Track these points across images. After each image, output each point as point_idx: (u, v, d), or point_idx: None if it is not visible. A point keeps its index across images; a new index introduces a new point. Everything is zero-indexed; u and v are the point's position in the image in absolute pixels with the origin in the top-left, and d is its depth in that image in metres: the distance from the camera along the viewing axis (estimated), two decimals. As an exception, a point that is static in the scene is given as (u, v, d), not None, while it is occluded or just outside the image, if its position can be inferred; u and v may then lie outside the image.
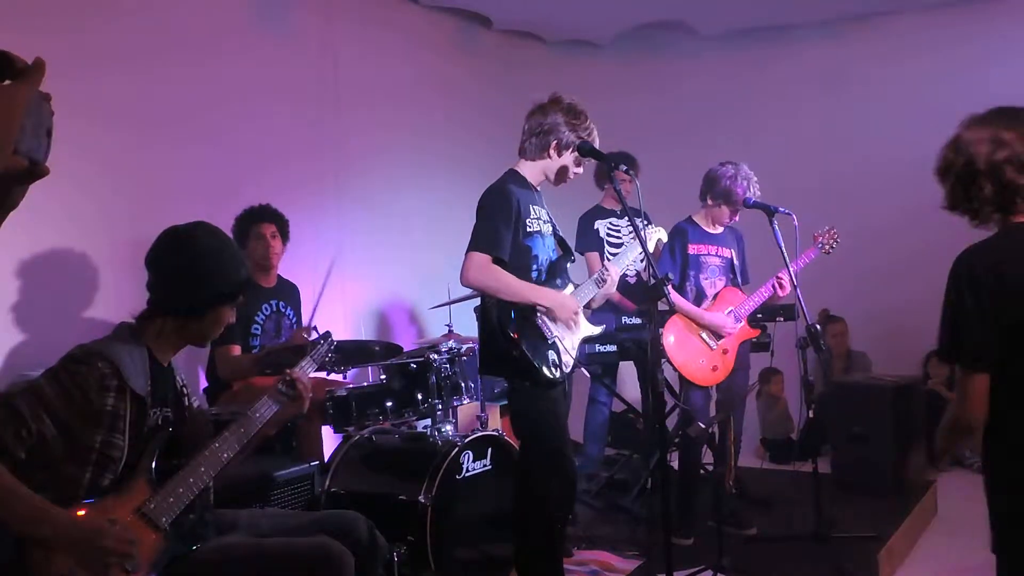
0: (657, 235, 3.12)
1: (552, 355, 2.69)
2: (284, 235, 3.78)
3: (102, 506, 1.82)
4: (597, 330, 2.89)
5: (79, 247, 3.49)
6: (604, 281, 2.87)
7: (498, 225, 2.63)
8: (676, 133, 6.04)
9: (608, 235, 4.63)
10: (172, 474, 1.94)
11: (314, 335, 2.62)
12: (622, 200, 2.70)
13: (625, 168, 2.65)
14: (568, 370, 2.77)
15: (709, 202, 3.82)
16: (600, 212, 4.70)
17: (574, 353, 2.80)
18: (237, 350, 3.54)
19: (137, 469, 1.90)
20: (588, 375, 4.40)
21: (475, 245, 2.64)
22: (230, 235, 3.58)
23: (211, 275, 1.99)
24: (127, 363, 1.89)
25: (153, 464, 1.91)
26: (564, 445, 2.77)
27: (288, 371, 2.17)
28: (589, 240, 4.61)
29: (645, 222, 3.03)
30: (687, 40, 6.20)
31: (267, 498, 2.84)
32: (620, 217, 4.56)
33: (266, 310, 3.74)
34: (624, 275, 4.58)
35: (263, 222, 3.71)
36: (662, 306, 2.87)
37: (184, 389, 2.12)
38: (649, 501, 4.13)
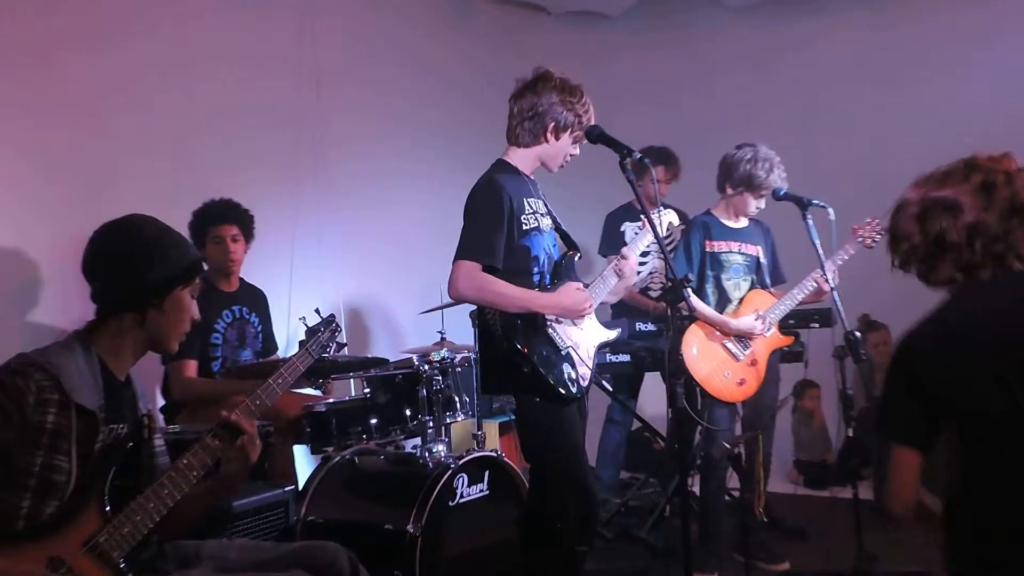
0: (668, 218, 3.11)
1: (567, 368, 2.68)
2: (248, 235, 3.76)
3: (46, 542, 1.79)
4: (612, 335, 2.88)
5: (14, 243, 3.45)
6: (622, 271, 2.85)
7: (487, 228, 2.62)
8: (695, 116, 6.03)
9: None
10: (129, 499, 1.90)
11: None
12: (636, 194, 2.67)
13: (640, 156, 2.62)
14: (585, 383, 2.75)
15: (729, 191, 3.80)
16: (629, 213, 4.70)
17: (591, 364, 2.78)
18: (192, 366, 3.52)
19: (88, 494, 1.87)
20: (605, 389, 4.37)
21: (463, 252, 2.62)
22: (186, 233, 3.59)
23: (159, 253, 1.99)
24: (72, 374, 1.87)
25: (107, 488, 1.88)
26: (582, 468, 2.75)
27: (224, 412, 2.04)
28: (615, 244, 4.60)
29: (659, 208, 3.02)
30: (709, 12, 6.20)
31: (232, 529, 2.81)
32: None
33: (227, 317, 3.72)
34: (647, 288, 4.60)
35: (223, 223, 3.67)
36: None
37: (146, 419, 2.08)
38: (667, 531, 4.11)
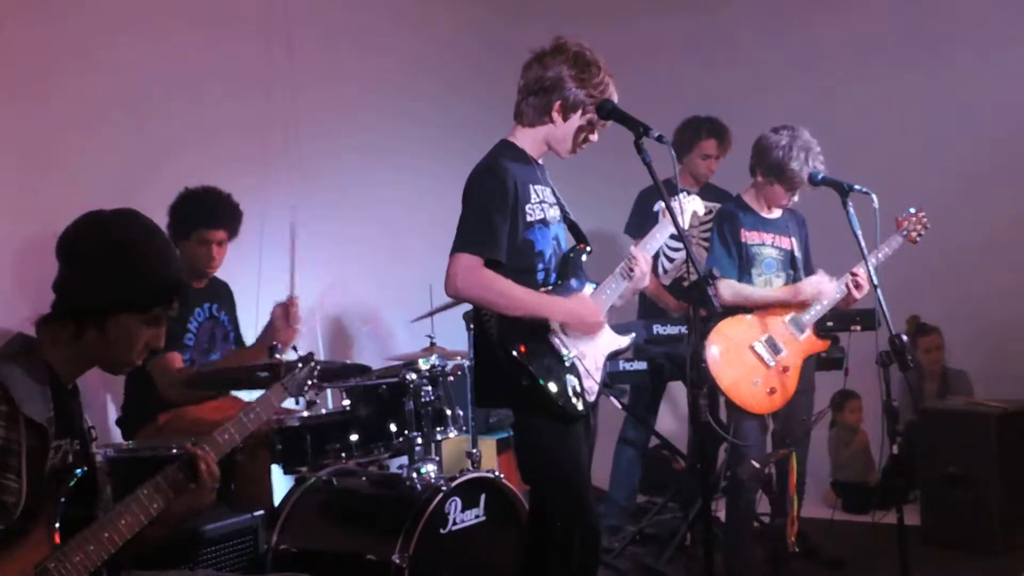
0: (691, 207, 3.13)
1: (572, 381, 2.69)
2: (234, 236, 3.80)
3: None
4: (625, 341, 2.90)
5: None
6: (631, 272, 2.85)
7: (491, 217, 2.63)
8: (726, 92, 6.01)
9: None
10: (81, 525, 1.92)
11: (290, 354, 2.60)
12: (653, 175, 2.70)
13: (659, 136, 2.65)
14: (592, 398, 2.77)
15: (759, 178, 3.85)
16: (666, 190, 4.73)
17: (599, 376, 2.79)
18: (178, 360, 3.56)
19: (36, 518, 1.89)
20: (619, 405, 4.41)
21: (462, 244, 2.63)
22: (163, 219, 3.60)
23: (117, 265, 1.98)
24: (19, 383, 1.88)
25: (57, 514, 1.90)
26: (586, 493, 2.77)
27: (189, 445, 2.07)
28: (645, 224, 4.62)
29: (683, 193, 3.05)
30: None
31: (196, 558, 2.84)
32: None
33: (199, 315, 3.75)
34: (680, 278, 4.63)
35: (214, 227, 3.67)
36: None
37: (92, 432, 2.11)
38: (688, 562, 4.14)
